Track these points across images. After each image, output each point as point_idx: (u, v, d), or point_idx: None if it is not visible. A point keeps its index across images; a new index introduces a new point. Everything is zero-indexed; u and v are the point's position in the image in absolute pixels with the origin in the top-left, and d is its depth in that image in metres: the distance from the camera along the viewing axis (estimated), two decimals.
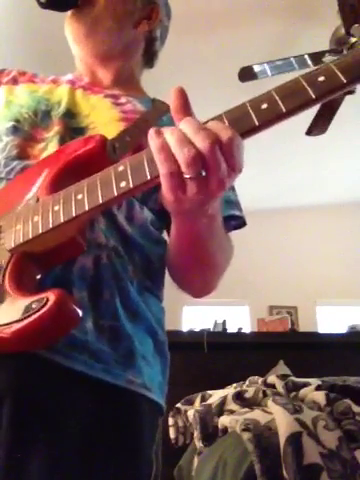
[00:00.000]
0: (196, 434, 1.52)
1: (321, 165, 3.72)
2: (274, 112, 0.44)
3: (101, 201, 0.50)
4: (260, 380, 1.71)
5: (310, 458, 1.03)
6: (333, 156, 3.63)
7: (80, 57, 0.89)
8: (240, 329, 3.32)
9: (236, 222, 0.79)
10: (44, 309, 0.45)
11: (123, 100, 0.82)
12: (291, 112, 0.43)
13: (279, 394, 1.47)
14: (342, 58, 0.43)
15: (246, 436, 1.13)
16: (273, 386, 1.57)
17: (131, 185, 0.48)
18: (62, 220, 0.52)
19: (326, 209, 4.21)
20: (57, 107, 0.78)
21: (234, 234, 0.78)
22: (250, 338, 3.15)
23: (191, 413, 1.60)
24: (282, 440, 1.07)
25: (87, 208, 0.51)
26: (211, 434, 1.46)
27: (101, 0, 0.84)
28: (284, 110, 0.43)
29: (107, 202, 0.50)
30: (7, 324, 0.46)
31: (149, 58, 0.95)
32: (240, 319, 3.77)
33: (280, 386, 1.53)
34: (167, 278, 0.77)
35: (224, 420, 1.40)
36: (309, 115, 2.71)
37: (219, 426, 1.44)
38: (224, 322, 3.31)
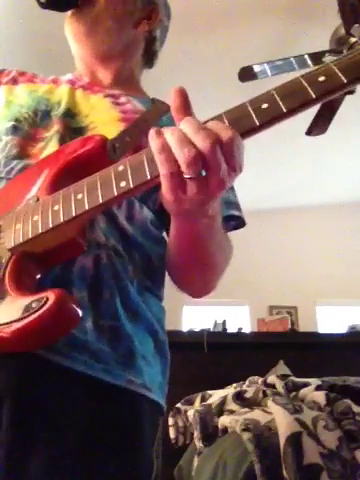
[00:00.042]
0: (196, 434, 1.52)
1: (321, 165, 3.72)
2: (274, 112, 0.44)
3: (101, 201, 0.50)
4: (260, 380, 1.71)
5: (310, 458, 1.03)
6: (333, 156, 3.63)
7: (80, 57, 0.90)
8: (240, 329, 3.32)
9: (235, 222, 0.79)
10: (44, 308, 0.45)
11: (123, 100, 0.82)
12: (291, 112, 0.43)
13: (279, 394, 1.47)
14: (342, 58, 0.43)
15: (246, 436, 1.13)
16: (273, 386, 1.57)
17: (131, 185, 0.48)
18: (62, 220, 0.52)
19: (326, 209, 4.21)
20: (57, 107, 0.78)
21: (234, 234, 0.78)
22: (250, 338, 3.15)
23: (191, 413, 1.61)
24: (282, 440, 1.07)
25: (87, 208, 0.51)
26: (211, 434, 1.46)
27: (101, 0, 0.84)
28: (284, 110, 0.43)
29: (107, 202, 0.50)
30: (7, 323, 0.46)
31: (149, 58, 0.95)
32: (240, 319, 3.77)
33: (280, 386, 1.53)
34: (167, 278, 0.77)
35: (224, 420, 1.40)
36: (309, 115, 2.71)
37: (219, 426, 1.44)
38: (224, 322, 3.31)
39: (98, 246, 0.65)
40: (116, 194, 0.49)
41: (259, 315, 3.73)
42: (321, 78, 0.42)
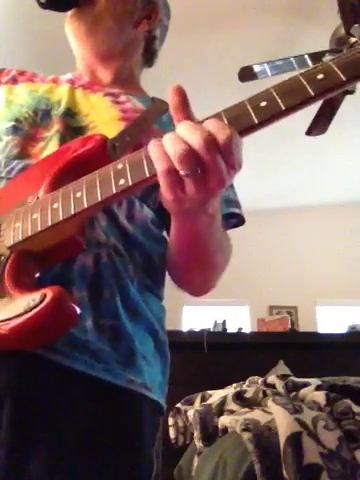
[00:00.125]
0: (196, 434, 1.51)
1: (321, 165, 3.72)
2: (273, 110, 0.44)
3: (100, 199, 0.50)
4: (260, 380, 1.71)
5: (310, 458, 1.03)
6: (333, 156, 3.63)
7: (81, 56, 0.90)
8: (240, 329, 3.32)
9: (236, 220, 0.80)
10: (42, 305, 0.45)
11: (123, 98, 0.82)
12: (290, 110, 0.43)
13: (279, 394, 1.47)
14: (341, 56, 0.43)
15: (246, 436, 1.13)
16: (273, 386, 1.57)
17: (130, 183, 0.48)
18: (61, 218, 0.52)
19: (326, 209, 4.21)
20: (57, 106, 0.78)
21: (234, 234, 0.78)
22: (250, 338, 3.15)
23: (191, 413, 1.60)
24: (282, 440, 1.07)
25: (86, 206, 0.51)
26: (211, 434, 1.46)
27: (102, 0, 0.84)
28: (283, 108, 0.43)
29: (106, 200, 0.50)
30: (5, 320, 0.46)
31: (149, 57, 0.95)
32: (240, 319, 3.77)
33: (280, 386, 1.53)
34: (167, 278, 0.77)
35: (224, 420, 1.40)
36: (309, 115, 2.71)
37: (219, 426, 1.43)
38: (224, 322, 3.31)
39: (98, 245, 0.65)
40: (115, 192, 0.49)
41: (259, 315, 3.73)
42: (320, 76, 0.42)
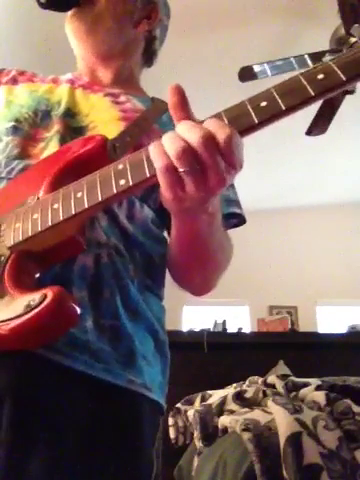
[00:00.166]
0: (196, 434, 1.51)
1: (321, 165, 3.72)
2: (273, 110, 0.44)
3: (100, 199, 0.50)
4: (260, 380, 1.71)
5: (310, 458, 1.03)
6: (333, 156, 3.63)
7: (81, 56, 0.90)
8: (240, 329, 3.32)
9: (236, 220, 0.80)
10: (42, 306, 0.45)
11: (123, 98, 0.82)
12: (290, 110, 0.43)
13: (279, 394, 1.47)
14: (341, 56, 0.43)
15: (246, 436, 1.13)
16: (273, 386, 1.57)
17: (130, 183, 0.48)
18: (61, 218, 0.52)
19: (326, 209, 4.21)
20: (57, 107, 0.78)
21: (234, 234, 0.78)
22: (250, 338, 3.15)
23: (191, 413, 1.60)
24: (282, 440, 1.07)
25: (86, 206, 0.51)
26: (211, 434, 1.46)
27: (102, 0, 0.84)
28: (283, 108, 0.43)
29: (106, 200, 0.50)
30: (5, 321, 0.46)
31: (148, 57, 0.96)
32: (240, 319, 3.77)
33: (280, 386, 1.53)
34: (167, 277, 0.77)
35: (224, 420, 1.40)
36: (309, 115, 2.71)
37: (219, 426, 1.43)
38: (224, 322, 3.31)
39: (98, 245, 0.65)
40: (115, 192, 0.49)
41: (259, 315, 3.73)
42: (320, 76, 0.42)
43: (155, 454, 0.63)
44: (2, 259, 0.54)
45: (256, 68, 2.47)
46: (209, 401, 1.69)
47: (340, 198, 4.18)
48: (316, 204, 4.22)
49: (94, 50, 0.87)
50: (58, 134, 0.73)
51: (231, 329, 3.29)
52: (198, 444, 1.51)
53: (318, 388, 1.40)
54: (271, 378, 1.63)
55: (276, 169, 3.81)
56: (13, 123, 0.75)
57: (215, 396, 1.72)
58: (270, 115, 0.44)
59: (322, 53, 2.39)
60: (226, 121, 0.46)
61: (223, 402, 1.54)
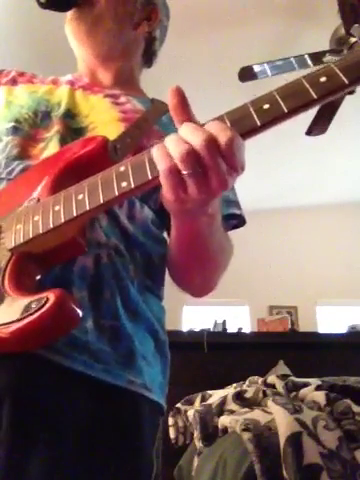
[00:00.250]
0: (196, 434, 1.52)
1: (321, 165, 3.72)
2: (276, 112, 0.44)
3: (102, 201, 0.50)
4: (260, 380, 1.71)
5: (310, 458, 1.03)
6: (333, 156, 3.63)
7: (81, 57, 0.90)
8: (240, 329, 3.32)
9: (236, 221, 0.80)
10: (43, 309, 0.44)
11: (123, 99, 0.82)
12: (293, 112, 0.44)
13: (279, 394, 1.47)
14: (343, 59, 0.43)
15: (246, 436, 1.13)
16: (273, 386, 1.57)
17: (132, 185, 0.49)
18: (63, 220, 0.52)
19: (326, 209, 4.21)
20: (57, 108, 0.78)
21: (234, 234, 0.78)
22: (250, 338, 3.16)
23: (191, 413, 1.60)
24: (282, 440, 1.07)
25: (88, 208, 0.51)
26: (211, 434, 1.46)
27: (102, 0, 0.84)
28: (286, 110, 0.44)
29: (108, 202, 0.50)
30: (6, 324, 0.46)
31: (148, 58, 0.96)
32: (240, 319, 3.77)
33: (280, 386, 1.53)
34: (167, 278, 0.77)
35: (224, 420, 1.40)
36: (309, 115, 2.71)
37: (219, 426, 1.44)
38: (224, 322, 3.31)
39: (98, 245, 0.65)
40: (117, 194, 0.49)
41: (259, 315, 3.73)
42: (322, 79, 0.43)
43: (155, 454, 0.63)
44: (3, 261, 0.54)
45: (256, 68, 2.47)
46: (209, 401, 1.70)
47: (340, 198, 4.18)
48: (316, 204, 4.22)
49: (94, 51, 0.87)
50: (58, 134, 0.73)
51: (231, 329, 3.29)
52: (198, 444, 1.51)
53: (318, 388, 1.40)
54: (271, 378, 1.63)
55: (276, 169, 3.81)
56: (13, 123, 0.75)
57: (215, 396, 1.72)
58: (272, 117, 0.44)
59: (322, 53, 2.39)
60: (228, 123, 0.46)
61: (223, 402, 1.54)
